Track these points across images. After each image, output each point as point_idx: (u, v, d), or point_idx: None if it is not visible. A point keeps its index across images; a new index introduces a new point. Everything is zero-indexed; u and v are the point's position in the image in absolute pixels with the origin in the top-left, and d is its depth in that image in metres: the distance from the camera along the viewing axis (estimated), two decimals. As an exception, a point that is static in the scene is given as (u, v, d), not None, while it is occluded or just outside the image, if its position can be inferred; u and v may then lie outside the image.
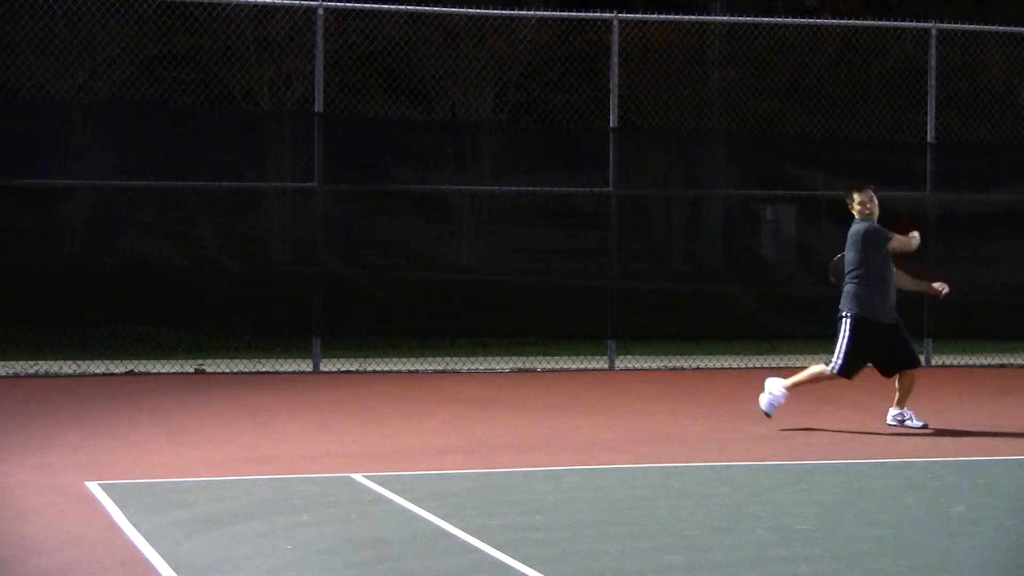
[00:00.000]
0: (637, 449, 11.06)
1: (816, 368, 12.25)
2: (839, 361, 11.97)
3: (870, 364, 12.23)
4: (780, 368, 16.90)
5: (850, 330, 11.96)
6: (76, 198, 17.10)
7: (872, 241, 12.02)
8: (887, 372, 12.31)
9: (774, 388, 12.21)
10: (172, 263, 16.33)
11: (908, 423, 12.21)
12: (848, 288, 12.06)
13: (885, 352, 12.14)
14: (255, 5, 18.10)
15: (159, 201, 16.32)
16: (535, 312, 17.39)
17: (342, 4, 16.55)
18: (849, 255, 12.13)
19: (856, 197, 12.19)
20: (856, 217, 12.21)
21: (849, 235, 12.20)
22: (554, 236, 19.48)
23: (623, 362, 16.63)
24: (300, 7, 16.92)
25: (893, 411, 12.29)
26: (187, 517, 8.30)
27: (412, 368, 16.11)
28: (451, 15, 18.57)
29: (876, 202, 12.17)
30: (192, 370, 15.49)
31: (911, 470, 10.41)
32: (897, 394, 12.25)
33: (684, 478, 9.95)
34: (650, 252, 19.80)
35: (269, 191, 18.32)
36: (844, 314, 12.01)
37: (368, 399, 13.81)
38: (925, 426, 12.16)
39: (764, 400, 12.18)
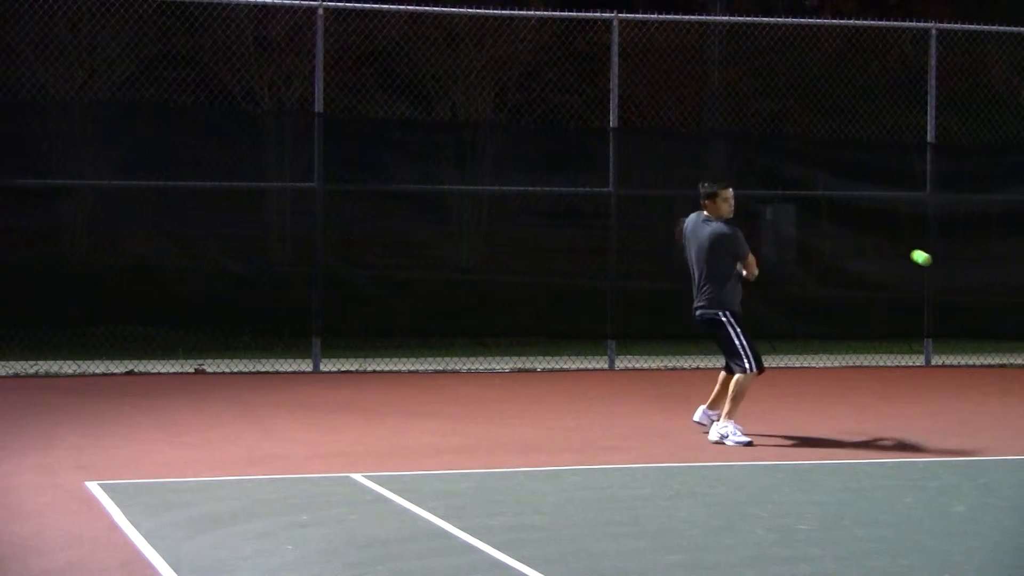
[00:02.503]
0: (637, 449, 11.06)
1: (734, 383, 11.44)
2: (748, 359, 11.43)
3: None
4: (780, 368, 16.92)
5: (736, 325, 11.52)
6: (76, 198, 17.11)
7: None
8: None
9: (731, 433, 11.36)
10: (172, 263, 16.33)
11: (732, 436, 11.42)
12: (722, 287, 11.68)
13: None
14: (255, 5, 18.10)
15: (159, 201, 16.32)
16: (535, 312, 17.39)
17: (342, 4, 16.55)
18: (729, 257, 11.66)
19: (730, 193, 11.73)
20: (722, 216, 11.65)
21: (737, 237, 11.67)
22: (554, 236, 19.48)
23: (623, 362, 16.63)
24: (300, 7, 16.92)
25: (710, 412, 11.69)
26: (187, 517, 8.31)
27: (412, 368, 16.11)
28: (451, 15, 18.57)
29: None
30: (192, 370, 15.49)
31: (911, 470, 10.41)
32: (715, 394, 11.69)
33: (684, 478, 9.94)
34: (650, 252, 19.79)
35: (269, 191, 18.32)
36: (719, 315, 11.59)
37: (368, 399, 13.81)
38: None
39: (734, 440, 11.29)
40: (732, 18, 20.62)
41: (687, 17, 20.21)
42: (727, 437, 11.26)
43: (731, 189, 11.77)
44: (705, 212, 11.75)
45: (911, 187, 17.78)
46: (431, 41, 20.61)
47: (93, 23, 17.89)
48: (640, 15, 18.51)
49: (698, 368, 16.72)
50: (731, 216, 11.71)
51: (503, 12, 17.67)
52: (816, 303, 18.04)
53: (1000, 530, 8.35)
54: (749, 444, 11.17)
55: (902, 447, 11.32)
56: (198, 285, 16.17)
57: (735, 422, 11.35)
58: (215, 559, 7.41)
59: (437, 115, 21.83)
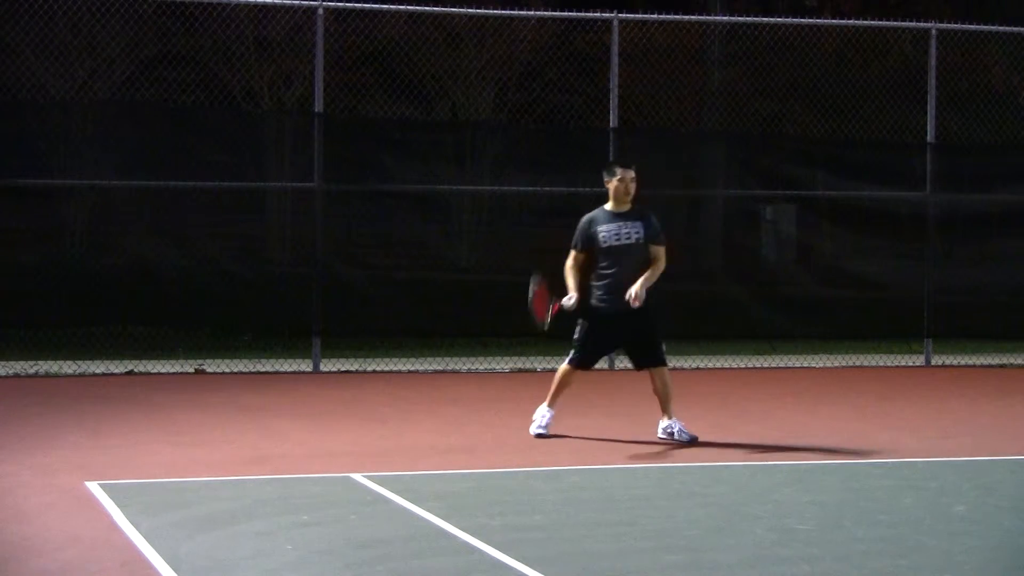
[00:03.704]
0: (637, 449, 11.06)
1: (559, 372, 11.52)
2: (573, 350, 11.44)
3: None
4: (780, 368, 16.94)
5: (584, 319, 11.40)
6: (76, 198, 17.10)
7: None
8: (636, 365, 11.61)
9: (537, 417, 11.50)
10: (172, 263, 16.33)
11: (677, 436, 11.32)
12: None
13: (627, 345, 11.52)
14: (255, 5, 18.10)
15: (159, 201, 16.33)
16: (535, 312, 17.37)
17: (342, 4, 16.55)
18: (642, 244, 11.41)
19: (632, 174, 11.46)
20: (626, 199, 11.39)
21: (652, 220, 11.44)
22: (554, 236, 19.44)
23: (623, 362, 16.61)
24: (300, 7, 16.92)
25: (662, 423, 11.41)
26: (187, 517, 8.31)
27: (412, 368, 16.11)
28: (451, 15, 18.58)
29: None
30: (192, 370, 15.49)
31: (911, 470, 10.41)
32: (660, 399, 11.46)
33: (684, 478, 9.95)
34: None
35: (269, 191, 18.32)
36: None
37: (368, 399, 13.82)
38: (695, 439, 11.25)
39: (533, 427, 11.45)
40: (732, 18, 20.63)
41: (687, 17, 20.20)
42: (539, 424, 11.45)
43: (618, 169, 11.54)
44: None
45: (911, 187, 17.79)
46: (431, 41, 20.62)
47: (93, 23, 17.89)
48: (640, 15, 18.50)
49: (697, 368, 16.74)
50: (617, 199, 11.46)
51: (503, 12, 17.68)
52: (816, 303, 18.05)
53: (1000, 530, 8.35)
54: (540, 436, 11.30)
55: (902, 447, 11.32)
56: (198, 285, 16.16)
57: (551, 409, 11.50)
58: (215, 559, 7.41)
59: (437, 115, 21.83)
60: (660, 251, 11.39)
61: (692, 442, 11.28)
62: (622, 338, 11.53)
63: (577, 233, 11.46)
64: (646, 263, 11.30)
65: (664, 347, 11.64)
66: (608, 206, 11.51)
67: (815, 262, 19.06)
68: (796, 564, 7.42)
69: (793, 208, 19.35)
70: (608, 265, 11.33)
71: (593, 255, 11.39)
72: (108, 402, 13.24)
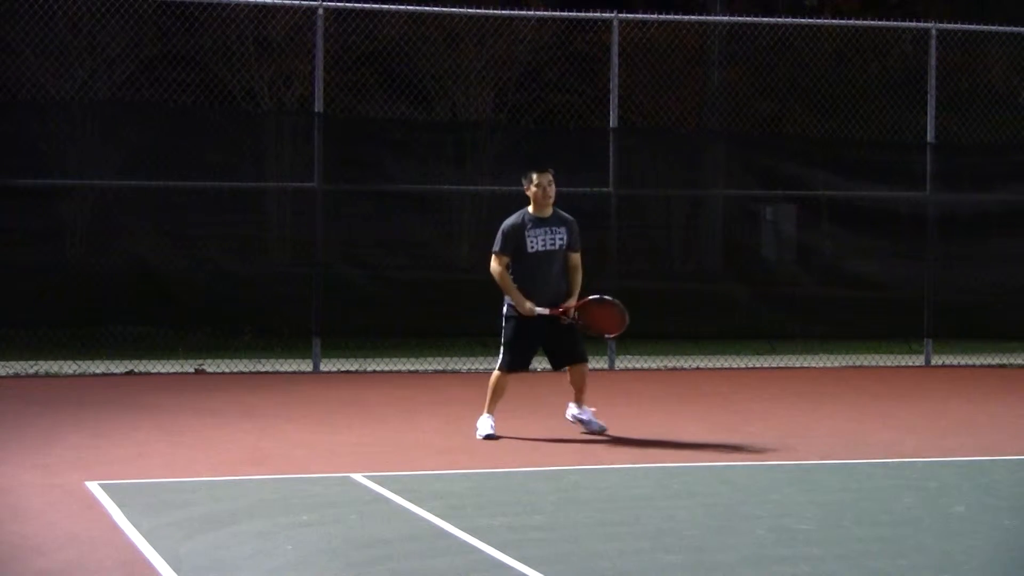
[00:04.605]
0: (637, 449, 11.06)
1: (492, 379, 11.62)
2: (501, 357, 11.54)
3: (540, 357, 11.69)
4: (780, 368, 16.94)
5: (509, 320, 11.52)
6: (76, 198, 17.11)
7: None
8: (554, 365, 11.79)
9: (481, 424, 11.50)
10: (172, 263, 16.34)
11: (588, 425, 11.65)
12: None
13: (549, 344, 11.60)
14: (255, 5, 18.10)
15: (159, 201, 16.33)
16: (535, 312, 17.37)
17: (342, 4, 16.55)
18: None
19: (532, 179, 11.49)
20: (547, 204, 11.47)
21: (572, 223, 11.57)
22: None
23: (623, 362, 16.64)
24: (300, 7, 16.93)
25: (572, 409, 11.76)
26: (187, 517, 8.31)
27: (412, 368, 16.11)
28: (451, 15, 18.57)
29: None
30: (192, 370, 15.49)
31: (911, 470, 10.41)
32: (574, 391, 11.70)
33: (684, 478, 9.95)
34: (650, 252, 19.80)
35: (269, 191, 18.32)
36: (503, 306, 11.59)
37: (368, 399, 13.82)
38: (604, 430, 11.57)
39: (478, 435, 11.42)
40: (732, 18, 20.63)
41: (687, 17, 20.20)
42: (477, 429, 11.44)
43: (534, 175, 11.53)
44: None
45: (911, 187, 17.80)
46: (431, 41, 20.61)
47: (93, 23, 17.90)
48: (640, 15, 18.50)
49: (698, 368, 16.75)
50: (538, 204, 11.52)
51: (503, 12, 17.68)
52: (816, 303, 18.05)
53: (1000, 530, 8.35)
54: (489, 437, 11.28)
55: (902, 447, 11.32)
56: (198, 285, 16.17)
57: (491, 416, 11.49)
58: (215, 559, 7.41)
59: (437, 115, 21.82)
60: (576, 258, 11.69)
61: (602, 431, 11.58)
62: (546, 338, 11.60)
63: (502, 238, 11.55)
64: (565, 267, 11.59)
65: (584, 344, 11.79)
66: (530, 210, 11.59)
67: (815, 262, 19.07)
68: (796, 564, 7.42)
69: (793, 208, 19.35)
70: (532, 270, 11.48)
71: (514, 259, 11.53)
72: (108, 402, 13.24)
